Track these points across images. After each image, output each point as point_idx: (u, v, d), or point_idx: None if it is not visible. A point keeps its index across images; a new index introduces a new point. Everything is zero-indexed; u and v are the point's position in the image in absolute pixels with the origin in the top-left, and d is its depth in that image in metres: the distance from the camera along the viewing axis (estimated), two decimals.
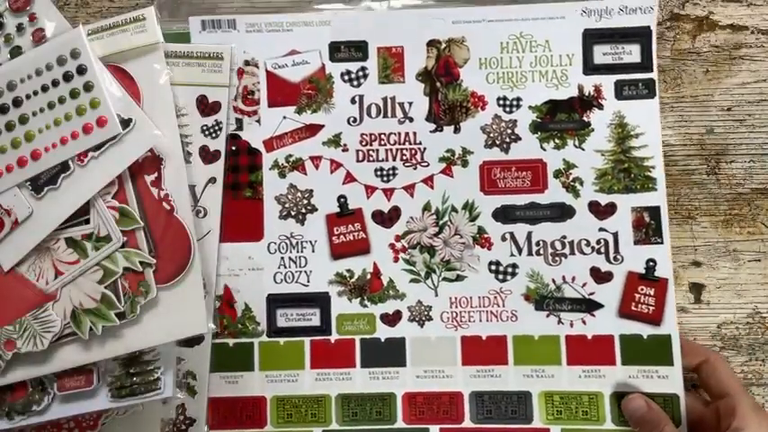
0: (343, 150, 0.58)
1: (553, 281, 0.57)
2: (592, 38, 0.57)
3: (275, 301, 0.57)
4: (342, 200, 0.58)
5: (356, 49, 0.58)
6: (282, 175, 0.58)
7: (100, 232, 0.53)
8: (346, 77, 0.58)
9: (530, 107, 0.58)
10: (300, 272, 0.57)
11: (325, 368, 0.57)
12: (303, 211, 0.58)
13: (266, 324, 0.57)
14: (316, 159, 0.58)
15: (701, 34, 0.60)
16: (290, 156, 0.58)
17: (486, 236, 0.57)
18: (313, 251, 0.58)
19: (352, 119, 0.58)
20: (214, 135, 0.58)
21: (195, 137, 0.58)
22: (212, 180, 0.57)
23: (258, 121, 0.58)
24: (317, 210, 0.58)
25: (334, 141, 0.58)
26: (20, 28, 0.56)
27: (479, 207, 0.57)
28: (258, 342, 0.57)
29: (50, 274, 0.53)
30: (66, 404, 0.53)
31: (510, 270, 0.57)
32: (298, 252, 0.58)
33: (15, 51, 0.55)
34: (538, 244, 0.57)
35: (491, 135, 0.58)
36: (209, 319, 0.55)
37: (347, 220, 0.58)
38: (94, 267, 0.53)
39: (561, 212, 0.57)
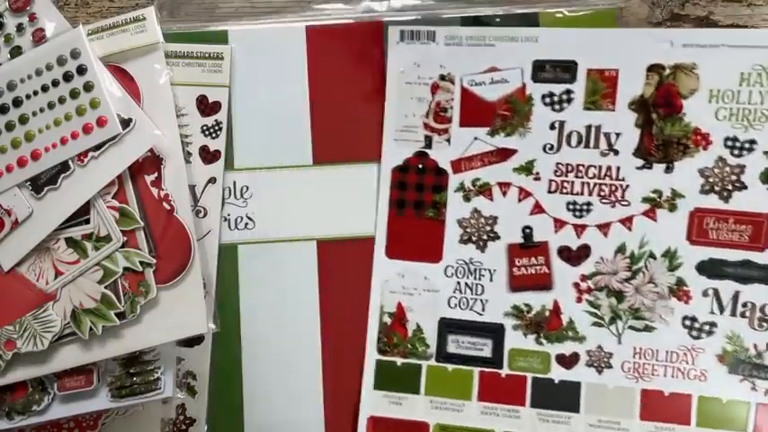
0: (535, 179, 0.54)
1: (755, 346, 0.51)
2: None
3: (448, 326, 0.56)
4: (527, 230, 0.54)
5: (563, 70, 0.52)
6: (467, 199, 0.55)
7: (100, 232, 0.53)
8: (548, 100, 0.53)
9: (765, 152, 0.50)
10: (476, 299, 0.55)
11: (492, 402, 0.55)
12: (485, 237, 0.55)
13: (436, 348, 0.56)
14: (504, 186, 0.54)
15: None
16: (478, 179, 0.55)
17: (685, 288, 0.52)
18: (491, 280, 0.55)
19: (548, 146, 0.53)
20: (214, 135, 0.56)
21: (195, 137, 0.56)
22: (212, 180, 0.56)
23: (448, 140, 0.55)
24: (499, 238, 0.55)
25: (526, 168, 0.54)
26: (20, 28, 0.55)
27: (682, 257, 0.52)
28: (426, 365, 0.56)
29: (50, 274, 0.53)
30: (66, 404, 0.53)
31: (707, 328, 0.52)
32: (475, 279, 0.55)
33: (15, 51, 0.54)
34: (745, 305, 0.51)
35: (710, 179, 0.51)
36: (209, 319, 0.54)
37: (531, 253, 0.54)
38: (94, 267, 0.53)
39: None
